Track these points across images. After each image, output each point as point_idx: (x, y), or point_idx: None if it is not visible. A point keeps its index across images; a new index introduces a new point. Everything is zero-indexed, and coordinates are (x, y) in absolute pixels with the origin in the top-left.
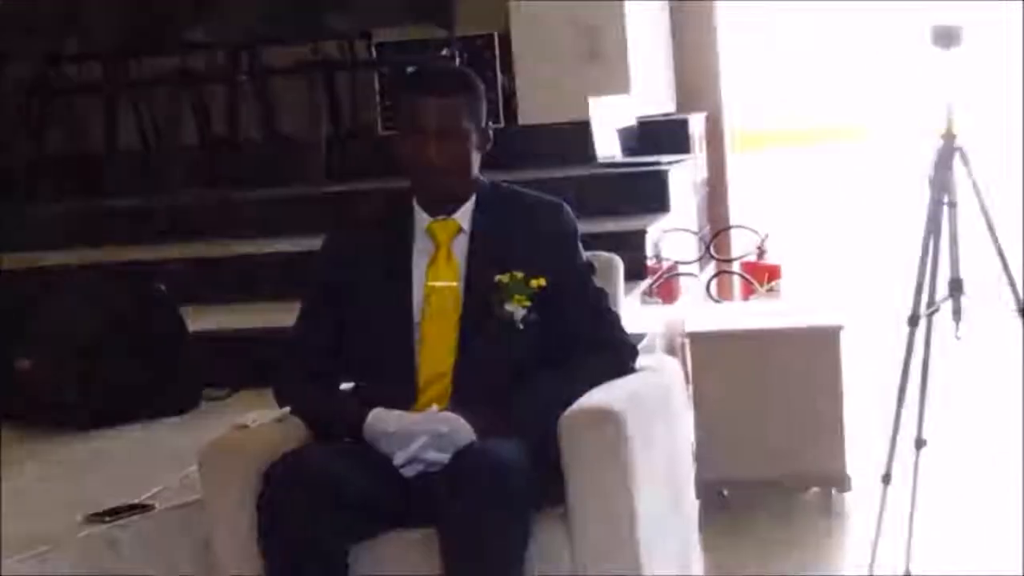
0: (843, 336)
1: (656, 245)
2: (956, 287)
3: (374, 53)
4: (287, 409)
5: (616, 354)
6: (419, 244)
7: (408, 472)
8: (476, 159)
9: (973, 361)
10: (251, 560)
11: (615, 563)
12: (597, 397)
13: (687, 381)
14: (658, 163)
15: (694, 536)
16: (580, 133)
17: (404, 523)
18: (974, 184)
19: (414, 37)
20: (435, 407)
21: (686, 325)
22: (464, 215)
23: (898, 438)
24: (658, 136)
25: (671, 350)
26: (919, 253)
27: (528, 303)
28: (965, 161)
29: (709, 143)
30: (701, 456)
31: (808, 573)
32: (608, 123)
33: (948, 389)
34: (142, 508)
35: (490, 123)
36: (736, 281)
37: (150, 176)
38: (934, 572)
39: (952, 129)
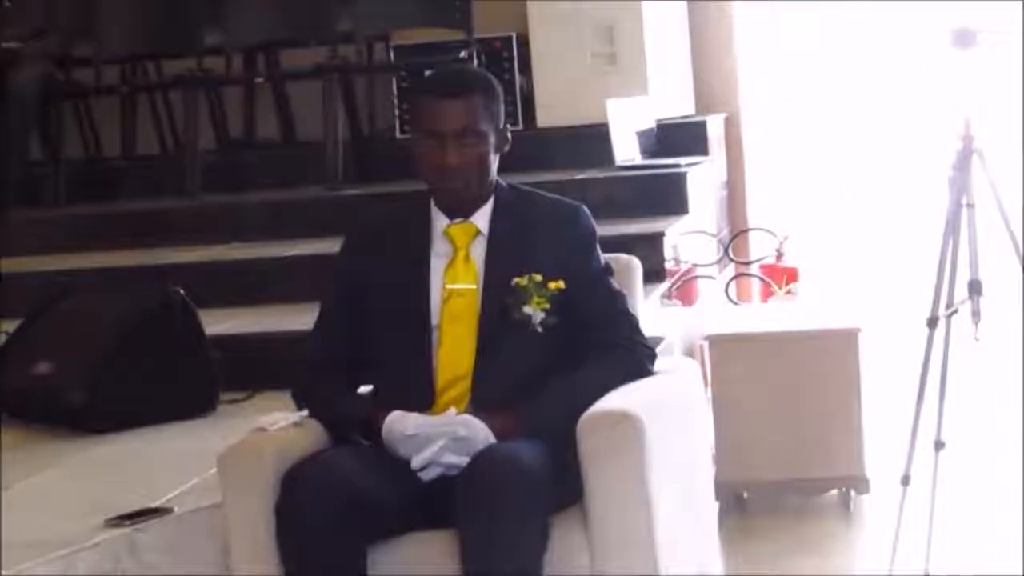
0: (862, 338)
1: (675, 247)
2: (975, 288)
3: (392, 56)
4: (305, 412)
5: (634, 356)
6: (437, 247)
7: (426, 475)
8: (494, 161)
9: (992, 362)
10: (270, 563)
11: (633, 564)
12: (615, 400)
13: (706, 383)
14: (676, 165)
15: (712, 537)
16: (598, 135)
17: (422, 526)
18: (992, 185)
19: (432, 39)
20: (453, 410)
21: (705, 327)
22: (482, 217)
23: (917, 440)
24: (676, 138)
25: (690, 352)
26: (938, 255)
27: (546, 306)
28: (984, 162)
29: (727, 145)
30: (720, 458)
31: (827, 575)
32: (627, 125)
33: (967, 391)
34: (161, 512)
35: (508, 125)
36: (755, 283)
37: (167, 179)
38: (953, 574)
39: (970, 130)
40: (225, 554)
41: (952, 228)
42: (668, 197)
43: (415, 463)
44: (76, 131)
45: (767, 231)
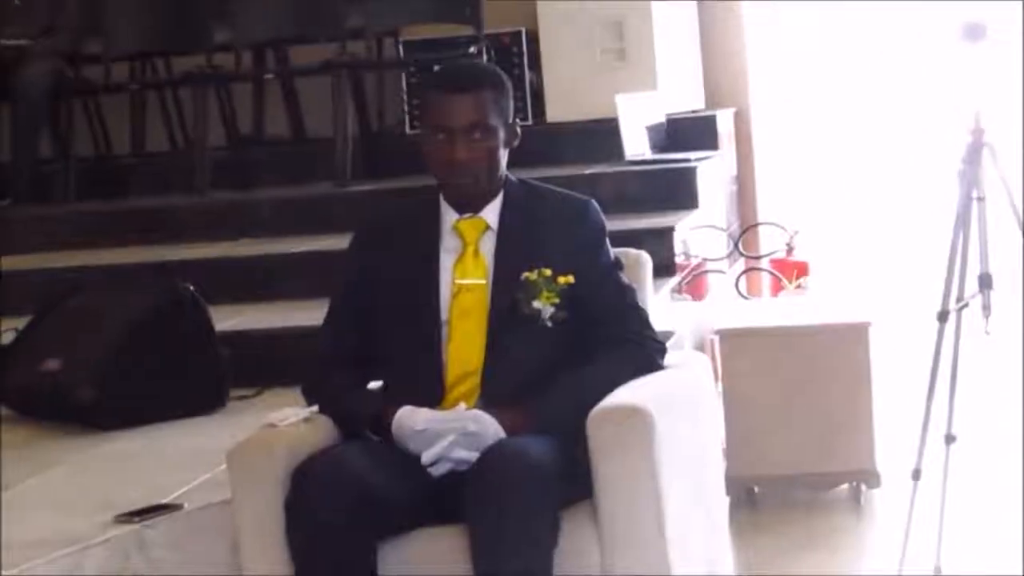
0: (872, 332)
1: (685, 242)
2: (986, 282)
3: (401, 51)
4: (315, 408)
5: (644, 351)
6: (446, 242)
7: (436, 471)
8: (503, 156)
9: (1002, 356)
10: (279, 560)
11: (643, 560)
12: (625, 395)
13: (716, 378)
14: (686, 160)
15: (723, 533)
16: (608, 130)
17: (432, 521)
18: (1003, 179)
19: (441, 35)
20: (463, 405)
21: (715, 322)
22: (491, 212)
23: (928, 434)
24: (686, 133)
25: (700, 347)
26: (948, 249)
27: (556, 300)
28: (994, 156)
29: (737, 139)
30: (731, 453)
31: (837, 570)
32: (636, 120)
33: (978, 385)
34: (171, 508)
35: (517, 120)
36: (765, 278)
37: (176, 176)
38: (964, 569)
39: (981, 124)
40: (234, 550)
41: (962, 222)
42: (678, 192)
43: (425, 459)
44: (86, 128)
45: (777, 225)
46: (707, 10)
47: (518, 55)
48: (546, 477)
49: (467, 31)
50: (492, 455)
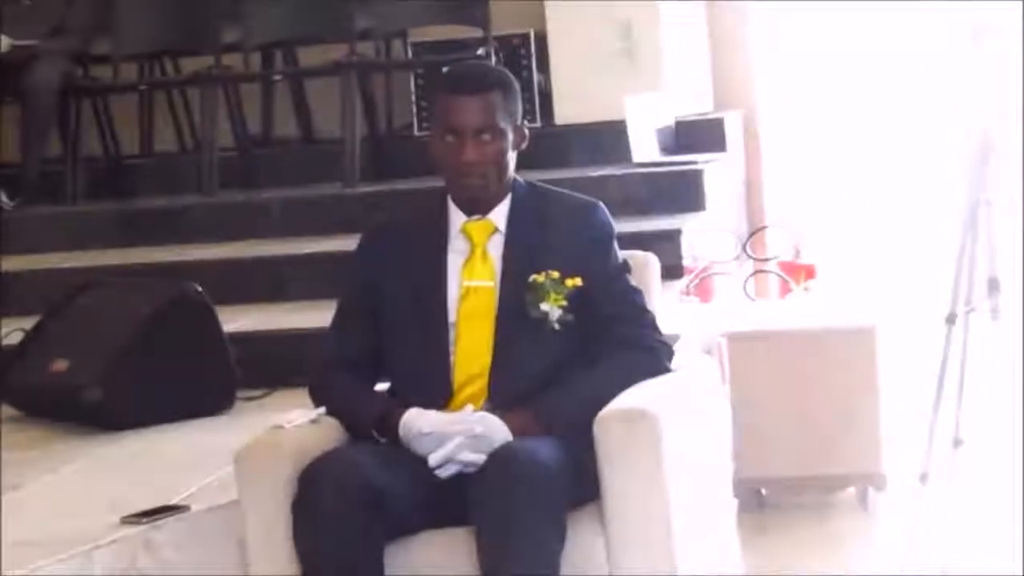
0: (880, 335)
1: (692, 244)
2: (994, 286)
3: (410, 53)
4: (323, 410)
5: (652, 354)
6: (454, 244)
7: (443, 473)
8: (511, 158)
9: (1011, 360)
10: (286, 561)
11: (650, 562)
12: (632, 397)
13: (724, 381)
14: (694, 162)
15: (731, 535)
16: (616, 132)
17: (440, 523)
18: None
19: (450, 37)
20: (470, 407)
21: (723, 325)
22: (499, 215)
23: (935, 437)
24: (694, 135)
25: (707, 350)
26: (956, 252)
27: (564, 303)
28: (1002, 159)
29: (745, 142)
30: (738, 455)
31: (844, 572)
32: (645, 122)
33: (985, 388)
34: (178, 509)
35: (526, 122)
36: (773, 280)
37: (184, 177)
38: (970, 572)
39: (988, 127)
40: (241, 551)
41: (970, 225)
42: (686, 194)
43: (432, 461)
44: (94, 128)
45: (785, 228)
46: (715, 12)
47: (526, 57)
48: (553, 480)
49: (476, 33)
50: (499, 457)
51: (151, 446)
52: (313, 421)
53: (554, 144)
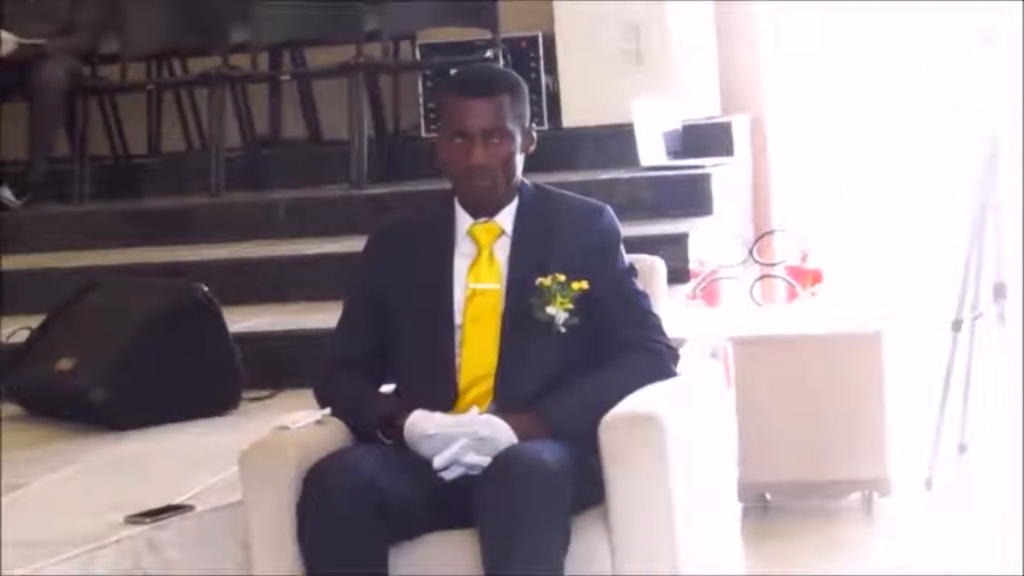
0: (886, 340)
1: (699, 248)
2: (1000, 291)
3: (418, 54)
4: (328, 411)
5: (657, 358)
6: (461, 246)
7: (448, 475)
8: (519, 161)
9: (1016, 366)
10: (290, 562)
11: (654, 565)
12: (637, 401)
13: (729, 385)
14: (701, 166)
15: (734, 539)
16: (624, 136)
17: (444, 525)
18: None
19: (458, 39)
20: (475, 410)
21: (729, 329)
22: (506, 217)
23: (940, 443)
24: (702, 139)
25: (713, 354)
26: (963, 257)
27: (570, 306)
28: (1009, 163)
29: (753, 146)
30: (743, 459)
31: None
32: (652, 126)
33: (991, 394)
34: (182, 509)
35: (534, 125)
36: (779, 285)
37: (192, 177)
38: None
39: (996, 131)
40: (245, 552)
41: (977, 230)
42: (693, 198)
43: (437, 462)
44: (101, 128)
45: (792, 232)
46: (724, 13)
47: (535, 59)
48: (558, 482)
49: (484, 35)
50: (504, 460)
51: (155, 446)
52: (318, 422)
53: (562, 147)
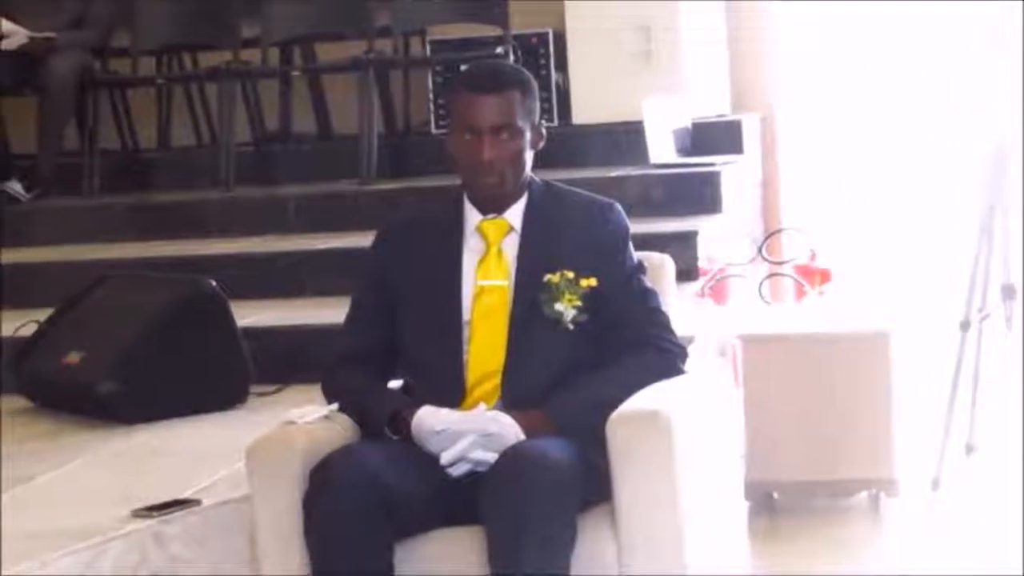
0: (894, 340)
1: (708, 246)
2: (1008, 293)
3: (428, 50)
4: (335, 406)
5: (665, 355)
6: (469, 242)
7: (455, 471)
8: (529, 157)
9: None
10: (297, 557)
11: (660, 564)
12: (645, 399)
13: (737, 383)
14: (711, 164)
15: (741, 538)
16: (634, 133)
17: (450, 522)
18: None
19: (468, 35)
20: (483, 406)
21: (737, 327)
22: (515, 214)
23: (947, 443)
24: (711, 137)
25: (721, 352)
26: (971, 258)
27: (578, 303)
28: (1018, 165)
29: (762, 144)
30: (750, 458)
31: None
32: (662, 123)
33: (998, 394)
34: (189, 503)
35: (543, 121)
36: (788, 284)
37: (201, 171)
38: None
39: (1004, 132)
40: (252, 547)
41: (985, 231)
42: (702, 196)
43: (444, 459)
44: (112, 122)
45: (801, 231)
46: (734, 14)
47: (545, 56)
48: (565, 480)
49: (494, 31)
50: (511, 457)
51: (163, 440)
52: (325, 417)
53: (571, 144)
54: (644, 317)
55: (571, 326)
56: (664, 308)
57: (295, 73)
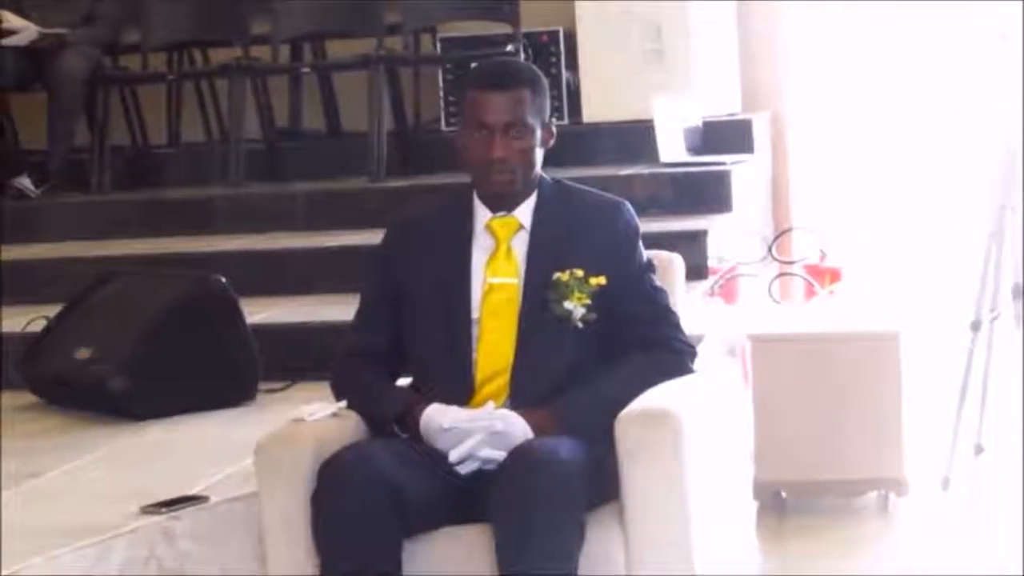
0: (903, 340)
1: (718, 245)
2: (1019, 292)
3: (439, 48)
4: (343, 403)
5: (675, 354)
6: (479, 240)
7: (463, 469)
8: (539, 155)
9: None
10: (304, 553)
11: (669, 563)
12: (654, 398)
13: (746, 383)
14: (721, 163)
15: (749, 537)
16: (644, 132)
17: (458, 520)
18: None
19: (479, 33)
20: (491, 404)
21: (747, 326)
22: (524, 212)
23: (957, 443)
24: (722, 136)
25: (731, 351)
26: (982, 257)
27: (587, 301)
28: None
29: (773, 143)
30: (759, 458)
31: None
32: (673, 122)
33: (1008, 395)
34: (197, 500)
35: (553, 119)
36: (798, 283)
37: (211, 168)
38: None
39: (1016, 130)
40: (260, 543)
41: (996, 231)
42: (712, 195)
43: (452, 456)
44: (122, 118)
45: (811, 230)
46: (745, 13)
47: (555, 54)
48: (573, 479)
49: (505, 29)
50: (519, 455)
51: (171, 436)
52: (334, 414)
53: (581, 142)
54: (653, 316)
55: (580, 324)
56: (673, 307)
57: (305, 70)
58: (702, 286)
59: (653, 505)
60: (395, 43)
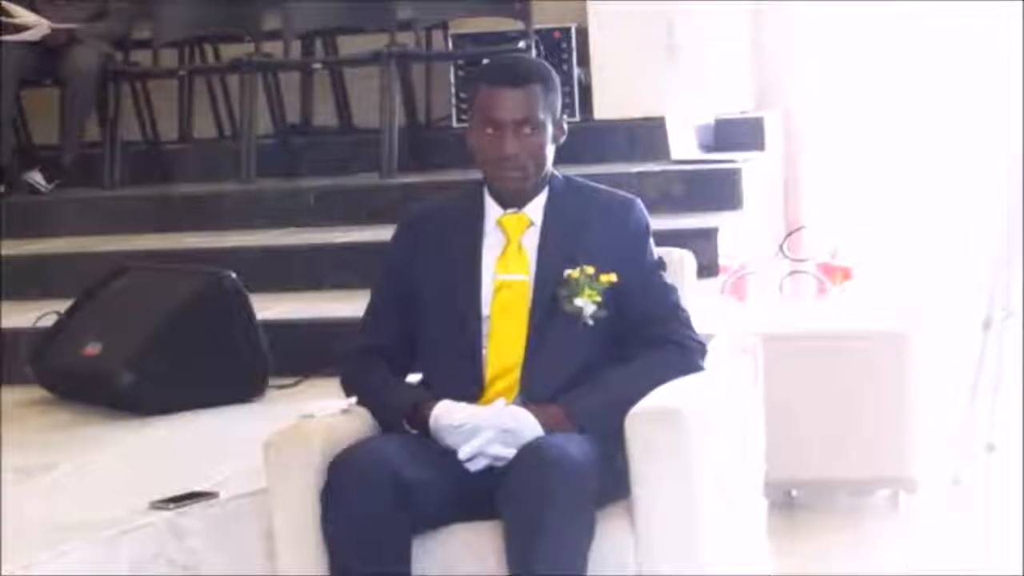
0: (914, 338)
1: (729, 243)
2: None
3: (450, 44)
4: (353, 400)
5: (685, 352)
6: (489, 237)
7: (473, 466)
8: (550, 152)
9: None
10: (314, 550)
11: (679, 561)
12: (664, 396)
13: (757, 381)
14: (732, 160)
15: (760, 536)
16: (656, 129)
17: (468, 517)
18: None
19: (491, 29)
20: (502, 401)
21: (757, 324)
22: (535, 208)
23: (968, 441)
24: (734, 133)
25: (742, 349)
26: (994, 255)
27: (598, 299)
28: None
29: (784, 141)
30: (770, 456)
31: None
32: (684, 119)
33: (1019, 393)
34: (207, 496)
35: (565, 116)
36: (809, 281)
37: (222, 163)
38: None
39: None
40: (269, 539)
41: (1008, 229)
42: (723, 192)
43: (462, 454)
44: (133, 113)
45: (822, 229)
46: (758, 11)
47: (567, 51)
48: (583, 477)
49: (517, 26)
50: (529, 452)
51: (181, 432)
52: (344, 411)
53: (593, 139)
54: (664, 313)
55: (591, 322)
56: (684, 305)
57: (317, 66)
58: (713, 284)
59: (663, 503)
60: (407, 39)
